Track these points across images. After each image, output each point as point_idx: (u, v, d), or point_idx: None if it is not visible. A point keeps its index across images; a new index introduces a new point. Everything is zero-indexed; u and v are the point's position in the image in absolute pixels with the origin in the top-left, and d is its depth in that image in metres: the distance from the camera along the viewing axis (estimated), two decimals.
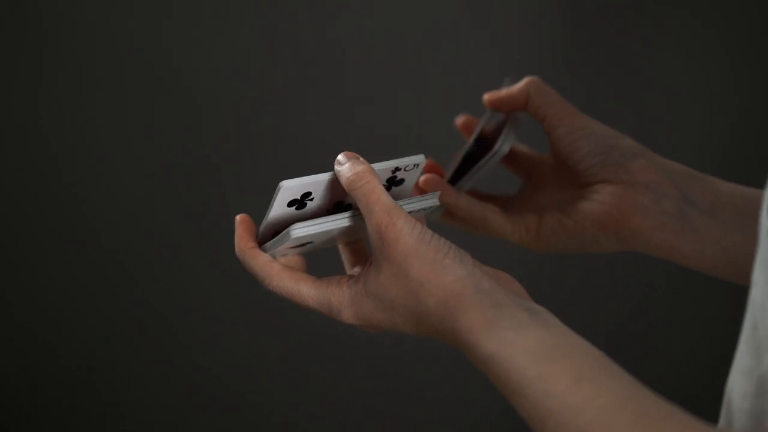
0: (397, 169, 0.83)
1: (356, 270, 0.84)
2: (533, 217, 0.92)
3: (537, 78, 0.93)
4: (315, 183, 0.81)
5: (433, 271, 0.72)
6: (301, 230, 0.79)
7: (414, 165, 0.83)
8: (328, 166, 0.82)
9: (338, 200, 0.83)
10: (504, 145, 0.94)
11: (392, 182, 0.84)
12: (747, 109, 1.93)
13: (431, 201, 0.82)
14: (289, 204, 0.81)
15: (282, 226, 0.82)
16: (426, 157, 0.86)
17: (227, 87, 1.90)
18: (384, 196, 0.75)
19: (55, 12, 1.85)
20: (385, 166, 0.82)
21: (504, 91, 0.94)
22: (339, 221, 0.80)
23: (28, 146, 1.89)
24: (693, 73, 1.93)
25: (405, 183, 0.84)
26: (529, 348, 0.66)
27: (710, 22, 1.91)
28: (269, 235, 0.83)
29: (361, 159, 0.78)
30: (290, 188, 0.80)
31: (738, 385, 0.64)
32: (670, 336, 2.01)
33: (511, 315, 0.69)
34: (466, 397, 2.01)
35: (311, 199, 0.81)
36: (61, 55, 1.87)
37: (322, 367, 2.01)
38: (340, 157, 0.78)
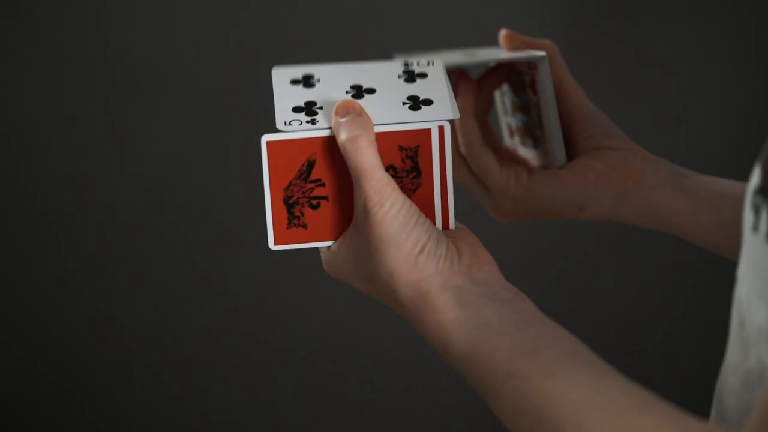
0: (406, 64, 0.80)
1: None
2: (524, 169, 0.92)
3: (554, 43, 0.94)
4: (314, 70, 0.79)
5: (405, 265, 0.71)
6: (271, 135, 0.74)
7: (428, 62, 0.80)
8: None
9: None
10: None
11: (412, 76, 0.79)
12: (747, 110, 1.93)
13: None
14: (293, 82, 0.79)
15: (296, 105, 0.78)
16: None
17: (227, 87, 1.90)
18: (379, 172, 0.72)
19: (55, 12, 1.85)
20: (395, 64, 0.80)
21: (527, 38, 0.93)
22: (318, 132, 0.75)
23: (27, 145, 1.90)
24: (693, 74, 1.93)
25: (429, 78, 0.79)
26: (499, 346, 0.66)
27: (710, 23, 1.91)
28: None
29: (363, 115, 0.74)
30: (282, 72, 0.78)
31: (727, 381, 0.64)
32: (664, 336, 2.01)
33: (477, 313, 0.68)
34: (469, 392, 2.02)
35: (318, 81, 0.79)
36: (60, 55, 1.87)
37: (323, 369, 2.01)
38: (338, 106, 0.74)
